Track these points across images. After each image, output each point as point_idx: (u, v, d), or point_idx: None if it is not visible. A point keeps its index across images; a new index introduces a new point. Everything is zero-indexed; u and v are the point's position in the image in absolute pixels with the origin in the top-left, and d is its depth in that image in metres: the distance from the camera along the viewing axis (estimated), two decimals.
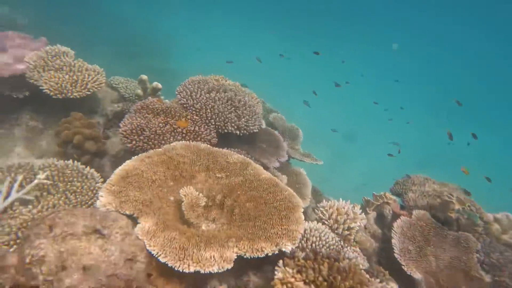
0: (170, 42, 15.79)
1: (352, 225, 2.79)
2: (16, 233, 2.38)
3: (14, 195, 2.59)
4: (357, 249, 2.78)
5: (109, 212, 2.12)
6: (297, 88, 19.96)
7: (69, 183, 2.88)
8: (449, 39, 31.45)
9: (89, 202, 2.78)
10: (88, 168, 3.05)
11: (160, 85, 3.76)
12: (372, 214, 3.58)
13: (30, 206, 2.61)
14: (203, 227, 2.36)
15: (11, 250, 2.35)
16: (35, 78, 3.47)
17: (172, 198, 2.43)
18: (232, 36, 25.38)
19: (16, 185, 2.67)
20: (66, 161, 3.04)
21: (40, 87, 3.43)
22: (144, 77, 3.74)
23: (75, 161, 3.08)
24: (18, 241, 2.36)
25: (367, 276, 2.13)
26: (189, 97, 3.34)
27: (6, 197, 2.59)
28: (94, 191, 2.86)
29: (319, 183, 4.62)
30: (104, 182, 3.03)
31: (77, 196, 2.81)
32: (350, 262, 2.05)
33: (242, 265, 2.26)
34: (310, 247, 2.40)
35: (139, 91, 3.91)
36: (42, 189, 2.80)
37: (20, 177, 2.74)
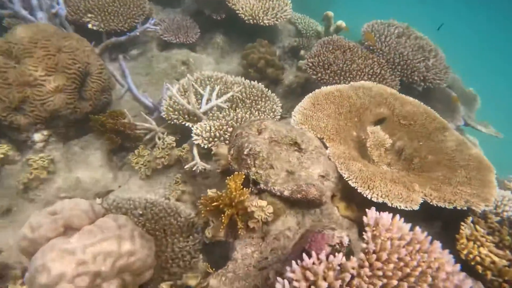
0: None
1: None
2: (214, 132, 2.78)
3: (214, 101, 3.00)
4: None
5: (304, 131, 2.30)
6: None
7: (254, 101, 3.19)
8: None
9: None
10: (269, 91, 3.31)
11: (344, 24, 3.73)
12: None
13: (224, 113, 3.00)
14: (381, 168, 2.40)
15: (210, 145, 2.79)
16: (234, 2, 3.79)
17: (355, 133, 2.49)
18: None
19: (215, 93, 3.08)
20: (251, 81, 3.34)
21: (237, 11, 3.74)
22: (330, 14, 3.74)
23: (258, 83, 3.36)
24: (215, 138, 2.77)
25: None
26: (377, 39, 3.24)
27: (207, 102, 3.03)
28: (275, 112, 3.11)
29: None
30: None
31: (260, 114, 3.10)
32: None
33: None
34: (502, 215, 2.24)
35: (319, 28, 3.95)
36: (233, 101, 3.17)
37: (217, 87, 3.15)
